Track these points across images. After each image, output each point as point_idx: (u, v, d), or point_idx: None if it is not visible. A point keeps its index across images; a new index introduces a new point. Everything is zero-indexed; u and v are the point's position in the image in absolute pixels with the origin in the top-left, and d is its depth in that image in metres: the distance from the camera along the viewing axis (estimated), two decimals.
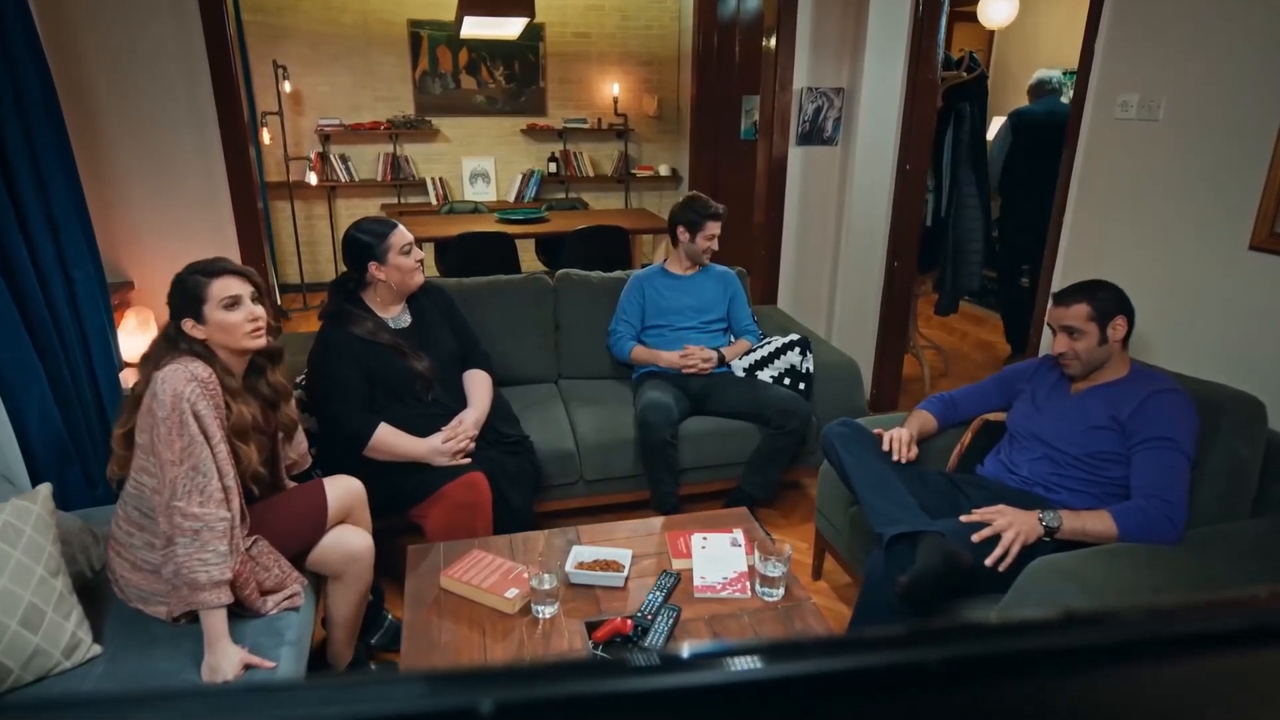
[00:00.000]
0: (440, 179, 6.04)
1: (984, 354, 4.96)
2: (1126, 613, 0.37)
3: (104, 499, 2.15)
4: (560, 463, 2.65)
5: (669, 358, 2.84)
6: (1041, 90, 4.23)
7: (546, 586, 1.81)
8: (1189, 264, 2.26)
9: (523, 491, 2.41)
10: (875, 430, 2.15)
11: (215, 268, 1.72)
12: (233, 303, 1.70)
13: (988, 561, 1.77)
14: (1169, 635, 0.37)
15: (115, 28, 2.78)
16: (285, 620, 1.74)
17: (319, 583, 1.98)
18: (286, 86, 5.43)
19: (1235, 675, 0.39)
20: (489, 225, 4.77)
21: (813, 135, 3.61)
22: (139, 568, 1.69)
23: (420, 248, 2.36)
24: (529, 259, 5.41)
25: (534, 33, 5.88)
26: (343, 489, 1.95)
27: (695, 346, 2.85)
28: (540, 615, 1.82)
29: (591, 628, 1.77)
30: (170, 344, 1.68)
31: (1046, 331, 2.76)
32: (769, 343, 2.94)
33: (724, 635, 1.77)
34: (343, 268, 2.39)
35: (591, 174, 6.34)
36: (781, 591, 1.88)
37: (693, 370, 2.81)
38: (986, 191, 3.95)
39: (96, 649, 1.62)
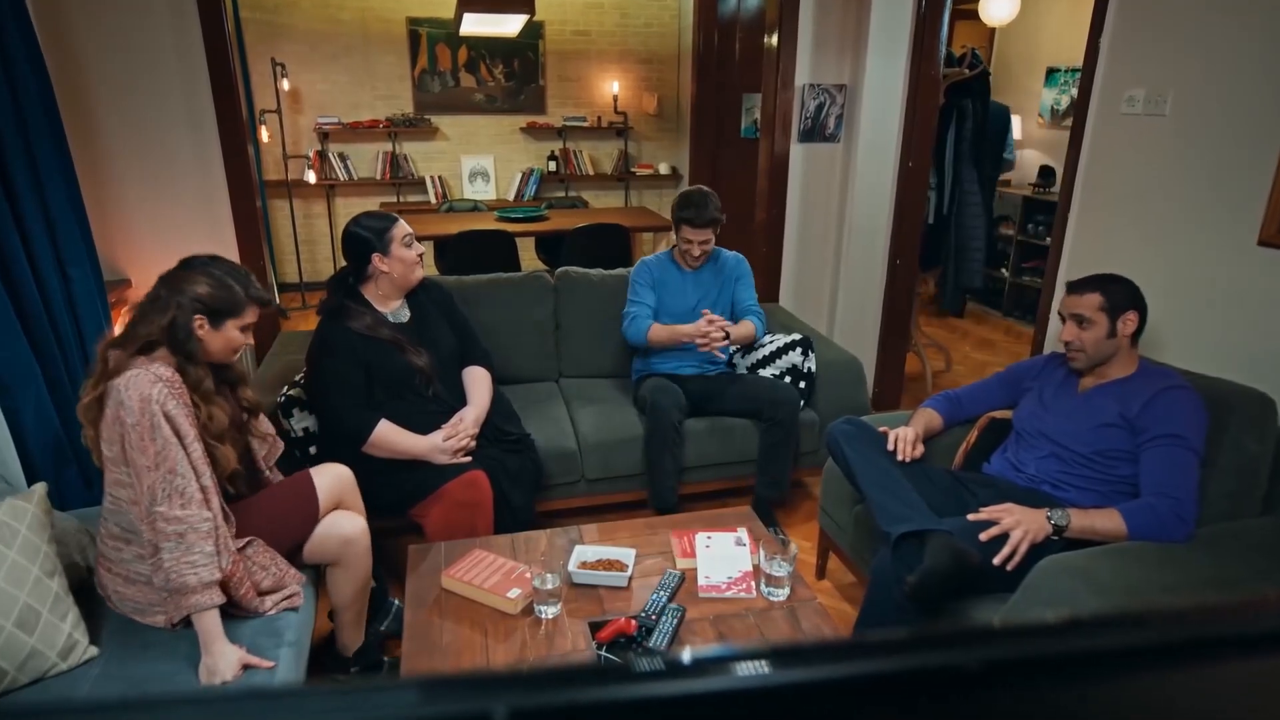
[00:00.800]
0: (439, 177, 6.02)
1: (985, 352, 4.95)
2: (1147, 615, 0.37)
3: (101, 499, 2.13)
4: (561, 461, 2.63)
5: (688, 330, 2.66)
6: None
7: (549, 586, 1.78)
8: (1197, 260, 2.24)
9: (524, 490, 2.39)
10: (880, 429, 2.13)
11: (256, 294, 1.71)
12: (249, 328, 1.72)
13: (996, 560, 1.75)
14: (1183, 640, 0.36)
15: (113, 25, 2.76)
16: (284, 620, 1.72)
17: (319, 576, 1.96)
18: (285, 84, 5.41)
19: (1248, 681, 0.38)
20: (489, 223, 4.75)
21: (815, 132, 3.59)
22: (132, 580, 1.66)
23: (419, 241, 2.35)
24: (529, 258, 5.39)
25: (533, 30, 5.86)
26: (331, 477, 1.94)
27: (714, 315, 2.67)
28: (543, 616, 1.80)
29: (595, 628, 1.75)
30: (171, 335, 1.62)
31: (1051, 326, 2.75)
32: (772, 341, 2.92)
33: (729, 636, 1.74)
34: (340, 265, 2.37)
35: (591, 172, 6.32)
36: (787, 591, 1.86)
37: (706, 346, 2.62)
38: (989, 189, 3.93)
39: (93, 651, 1.60)
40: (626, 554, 1.97)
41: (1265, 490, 1.87)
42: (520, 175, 6.17)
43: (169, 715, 0.31)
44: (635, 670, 0.34)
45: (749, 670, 0.33)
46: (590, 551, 1.99)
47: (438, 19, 5.70)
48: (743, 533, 2.08)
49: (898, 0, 3.33)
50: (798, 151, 3.61)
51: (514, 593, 1.82)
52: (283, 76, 5.36)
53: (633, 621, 1.73)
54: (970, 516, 1.83)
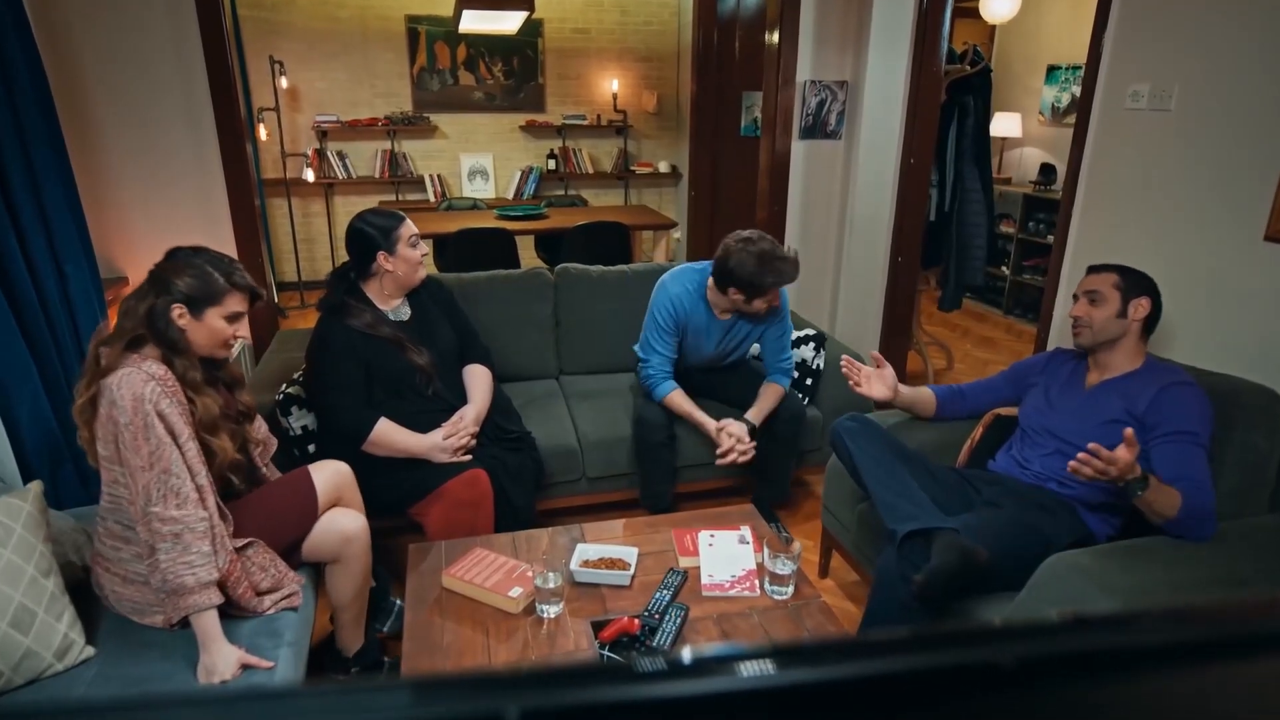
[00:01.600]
0: (438, 176, 6.00)
1: (987, 350, 4.93)
2: (1145, 615, 0.36)
3: (98, 498, 2.11)
4: (562, 460, 2.61)
5: (707, 427, 2.50)
6: None
7: (551, 585, 1.77)
8: (1202, 255, 2.23)
9: (524, 489, 2.37)
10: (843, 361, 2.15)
11: (239, 281, 1.68)
12: (235, 318, 1.68)
13: (1074, 462, 1.60)
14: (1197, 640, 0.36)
15: (110, 23, 2.74)
16: (284, 621, 1.70)
17: (318, 575, 1.94)
18: (283, 82, 5.38)
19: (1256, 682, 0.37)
20: (488, 222, 4.73)
21: (816, 129, 3.57)
22: (130, 580, 1.64)
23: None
24: (528, 256, 5.37)
25: (533, 28, 5.84)
26: (330, 473, 1.92)
27: (730, 423, 2.48)
28: (545, 615, 1.78)
29: (598, 627, 1.73)
30: (150, 323, 1.59)
31: (1055, 324, 2.73)
32: None
33: (733, 635, 1.73)
34: (339, 264, 2.35)
35: (591, 171, 6.31)
36: (791, 589, 1.85)
37: (727, 463, 2.46)
38: (990, 186, 3.91)
39: (89, 651, 1.58)
40: (629, 552, 1.96)
41: (1273, 488, 1.85)
42: (519, 174, 6.15)
43: (165, 715, 0.30)
44: (651, 670, 0.33)
45: (759, 669, 0.32)
46: (592, 550, 1.97)
47: (437, 16, 5.68)
48: (746, 531, 2.06)
49: None
50: (799, 148, 3.59)
51: (515, 592, 1.80)
52: (281, 74, 5.33)
53: (636, 621, 1.71)
54: (1079, 456, 1.61)
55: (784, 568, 1.83)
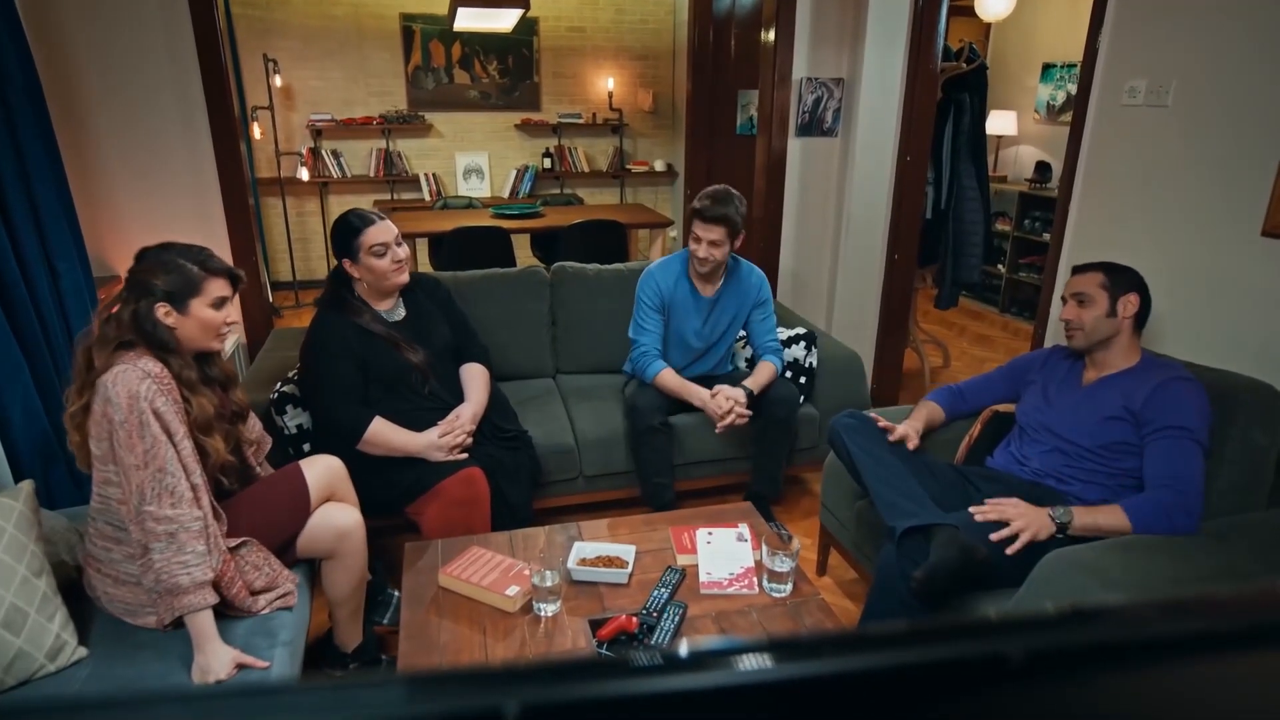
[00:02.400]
0: (433, 174, 5.98)
1: (983, 348, 4.93)
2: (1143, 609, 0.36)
3: (90, 498, 2.10)
4: (559, 458, 2.60)
5: (701, 396, 2.53)
6: None
7: (548, 584, 1.75)
8: (1200, 251, 2.22)
9: (521, 487, 2.36)
10: (880, 423, 2.09)
11: (213, 265, 1.65)
12: (221, 304, 1.66)
13: (993, 537, 1.74)
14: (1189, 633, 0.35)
15: (103, 20, 2.72)
16: (279, 620, 1.69)
17: (314, 572, 1.93)
18: (277, 81, 5.36)
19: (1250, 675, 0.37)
20: (484, 220, 4.71)
21: (812, 126, 3.56)
22: (122, 581, 1.62)
23: (401, 246, 2.23)
24: (524, 255, 5.37)
25: (528, 26, 5.83)
26: (322, 468, 1.90)
27: (724, 387, 2.52)
28: (542, 613, 1.77)
29: (595, 626, 1.72)
30: (138, 328, 1.58)
31: (1052, 322, 2.73)
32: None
33: (731, 632, 1.72)
34: (334, 263, 2.33)
35: (586, 169, 6.29)
36: (790, 587, 1.84)
37: (728, 425, 2.47)
38: (986, 184, 3.91)
39: (82, 652, 1.56)
40: (627, 550, 1.95)
41: (1273, 483, 1.85)
42: (515, 172, 6.13)
43: (157, 713, 0.29)
44: (649, 665, 0.32)
45: (761, 664, 0.32)
46: (590, 548, 1.96)
47: (431, 15, 5.66)
48: (744, 528, 2.05)
49: None
50: (795, 145, 3.59)
51: (513, 590, 1.79)
52: (275, 73, 5.31)
53: (634, 619, 1.70)
54: (973, 509, 1.81)
55: (782, 565, 1.83)
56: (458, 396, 2.37)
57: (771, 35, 3.47)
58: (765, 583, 1.86)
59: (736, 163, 5.16)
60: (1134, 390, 1.87)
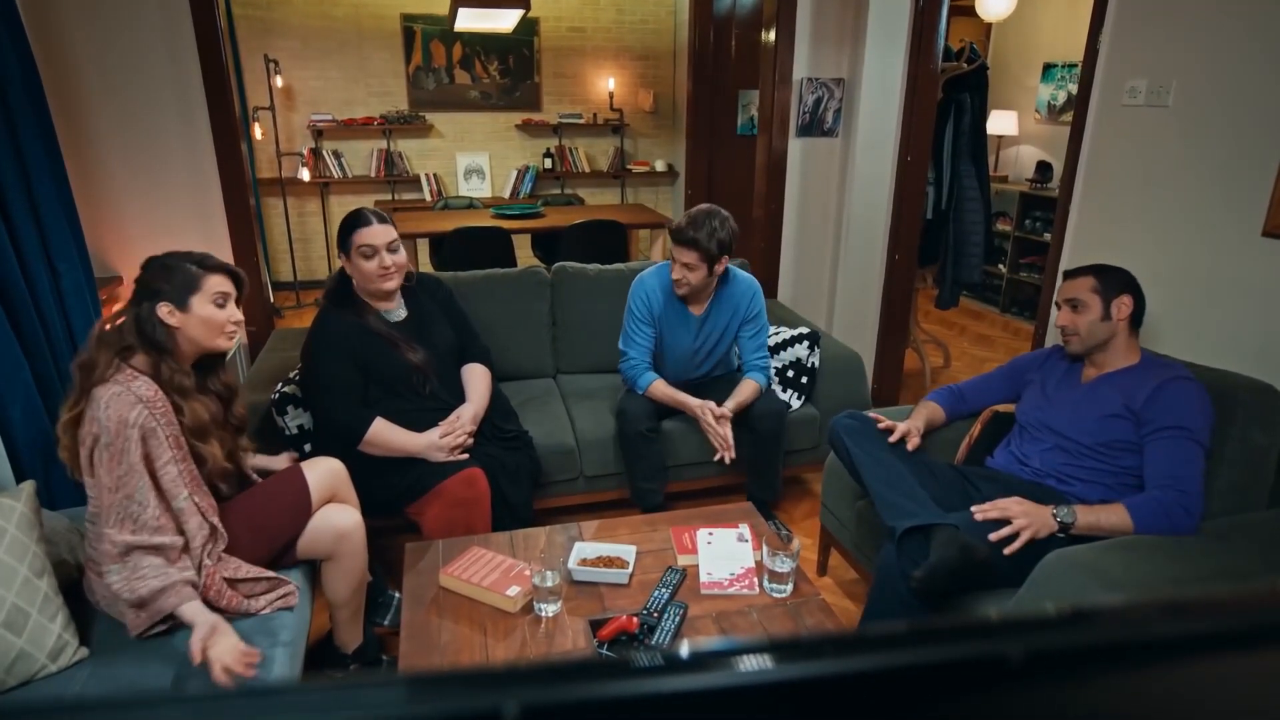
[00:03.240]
0: (434, 175, 5.98)
1: (984, 348, 4.93)
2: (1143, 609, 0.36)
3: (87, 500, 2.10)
4: (560, 459, 2.60)
5: (693, 407, 2.52)
6: None
7: (549, 584, 1.76)
8: (1201, 251, 2.22)
9: (521, 488, 2.36)
10: (880, 423, 2.09)
11: (212, 263, 1.68)
12: (223, 301, 1.67)
13: (992, 536, 1.74)
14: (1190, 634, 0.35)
15: (104, 20, 2.72)
16: (279, 620, 1.69)
17: (314, 573, 1.93)
18: (278, 81, 5.36)
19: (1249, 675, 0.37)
20: (484, 221, 4.71)
21: (813, 126, 3.56)
22: None
23: (396, 253, 2.18)
24: (525, 255, 5.36)
25: (528, 27, 5.83)
26: (323, 470, 1.91)
27: (711, 421, 2.50)
28: (543, 614, 1.77)
29: (596, 626, 1.72)
30: (139, 329, 1.59)
31: (1053, 321, 2.73)
32: (777, 333, 2.88)
33: (732, 633, 1.72)
34: (336, 264, 2.33)
35: (587, 169, 6.29)
36: (790, 587, 1.84)
37: (724, 457, 2.47)
38: (987, 184, 3.91)
39: (84, 652, 1.56)
40: (627, 551, 1.95)
41: (1273, 483, 1.85)
42: (515, 172, 6.13)
43: (158, 714, 0.30)
44: (649, 665, 0.32)
45: (762, 664, 0.32)
46: (590, 549, 1.96)
47: (432, 15, 5.66)
48: (744, 529, 2.05)
49: None
50: (796, 146, 3.58)
51: (513, 590, 1.79)
52: (276, 73, 5.31)
53: (635, 619, 1.70)
54: (974, 509, 1.81)
55: (783, 565, 1.83)
56: (459, 397, 2.37)
57: (772, 35, 3.47)
58: (766, 583, 1.86)
59: (737, 163, 5.16)
60: (1135, 389, 1.87)
